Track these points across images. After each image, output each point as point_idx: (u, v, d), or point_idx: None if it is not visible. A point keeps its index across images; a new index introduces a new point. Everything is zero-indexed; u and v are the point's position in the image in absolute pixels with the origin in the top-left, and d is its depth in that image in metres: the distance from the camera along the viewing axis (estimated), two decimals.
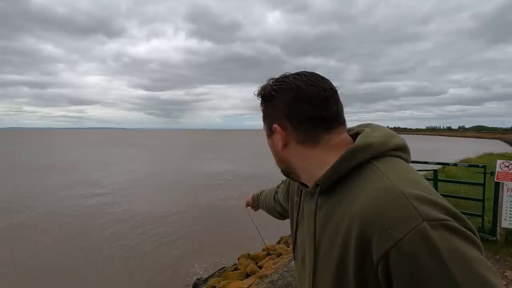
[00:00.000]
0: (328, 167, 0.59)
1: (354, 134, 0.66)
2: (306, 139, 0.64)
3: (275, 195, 1.13)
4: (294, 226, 0.79)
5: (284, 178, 1.00)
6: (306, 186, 0.68)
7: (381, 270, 0.46)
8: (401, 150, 0.62)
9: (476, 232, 0.49)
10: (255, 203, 1.36)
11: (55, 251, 7.13)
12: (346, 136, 0.65)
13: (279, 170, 0.74)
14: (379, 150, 0.58)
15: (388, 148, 0.59)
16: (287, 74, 0.68)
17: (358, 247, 0.50)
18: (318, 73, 0.66)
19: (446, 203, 0.49)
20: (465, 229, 0.47)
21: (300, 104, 0.63)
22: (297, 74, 0.66)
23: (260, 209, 1.37)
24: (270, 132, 0.70)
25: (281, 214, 1.12)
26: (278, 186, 1.13)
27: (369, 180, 0.54)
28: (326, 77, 0.66)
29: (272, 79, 0.69)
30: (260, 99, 0.71)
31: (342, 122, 0.65)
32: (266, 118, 0.70)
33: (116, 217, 9.73)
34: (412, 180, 0.53)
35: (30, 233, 8.29)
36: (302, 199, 0.75)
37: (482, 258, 0.45)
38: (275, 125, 0.66)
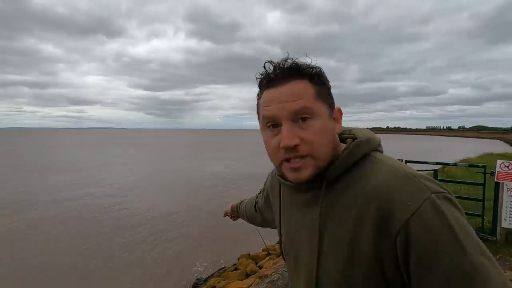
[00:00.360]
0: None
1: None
2: None
3: (256, 205, 1.11)
4: (279, 225, 0.79)
5: (262, 186, 1.02)
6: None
7: (400, 240, 0.51)
8: (380, 147, 0.69)
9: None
10: (234, 213, 1.36)
11: (55, 250, 7.13)
12: None
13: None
14: (376, 144, 0.65)
15: (377, 143, 0.67)
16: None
17: (375, 223, 0.53)
18: None
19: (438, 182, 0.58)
20: (456, 200, 0.55)
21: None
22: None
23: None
24: (330, 113, 0.64)
25: (263, 223, 1.11)
26: (257, 196, 1.11)
27: (376, 167, 0.60)
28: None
29: (289, 58, 0.64)
30: (311, 73, 0.63)
31: None
32: (326, 97, 0.64)
33: (116, 216, 9.73)
34: (407, 165, 0.60)
35: (30, 233, 8.27)
36: (285, 195, 0.76)
37: (469, 224, 0.54)
38: (338, 107, 0.67)
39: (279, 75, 0.62)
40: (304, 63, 0.63)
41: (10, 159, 27.99)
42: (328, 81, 0.65)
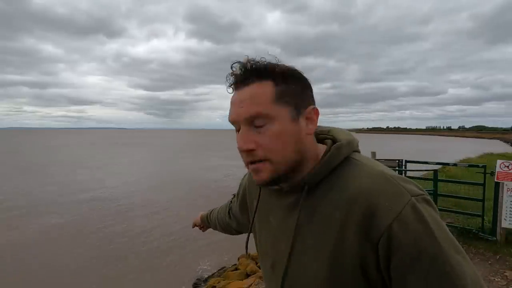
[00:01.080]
0: (313, 161, 0.63)
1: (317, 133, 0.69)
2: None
3: (230, 211, 1.06)
4: (258, 233, 0.77)
5: (236, 191, 0.98)
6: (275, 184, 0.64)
7: (382, 244, 0.52)
8: (358, 147, 0.69)
9: None
10: (204, 224, 1.30)
11: (56, 250, 7.12)
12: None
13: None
14: (355, 146, 0.65)
15: (357, 144, 0.67)
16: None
17: (358, 227, 0.54)
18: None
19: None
20: (432, 201, 0.57)
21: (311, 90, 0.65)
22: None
23: (210, 229, 1.28)
24: (297, 114, 0.60)
25: (238, 229, 1.07)
26: (231, 201, 1.06)
27: (357, 170, 0.60)
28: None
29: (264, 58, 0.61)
30: (283, 73, 0.60)
31: None
32: (294, 96, 0.60)
33: (115, 217, 9.72)
34: (385, 167, 0.61)
35: (30, 232, 8.29)
36: (265, 198, 0.74)
37: (443, 222, 0.56)
38: (312, 107, 0.62)
39: (240, 77, 0.60)
40: (273, 63, 0.60)
41: (12, 159, 27.98)
42: (300, 80, 0.62)
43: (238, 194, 0.96)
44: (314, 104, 0.63)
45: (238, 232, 1.08)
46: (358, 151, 0.66)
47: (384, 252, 0.52)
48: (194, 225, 1.37)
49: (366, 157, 0.65)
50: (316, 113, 0.62)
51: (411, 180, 0.58)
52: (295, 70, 0.62)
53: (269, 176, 0.60)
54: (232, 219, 1.05)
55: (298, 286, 0.61)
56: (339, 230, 0.56)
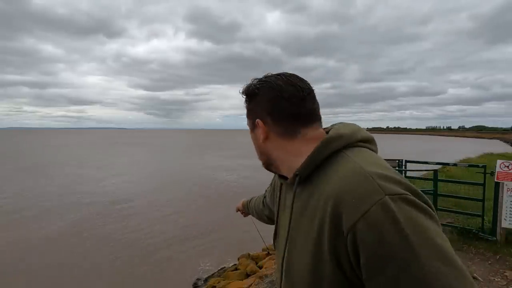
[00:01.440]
0: (305, 157, 0.66)
1: (329, 131, 0.72)
2: (285, 132, 0.70)
3: (264, 200, 1.17)
4: (275, 221, 0.83)
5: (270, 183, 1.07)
6: (286, 178, 0.74)
7: (349, 241, 0.52)
8: (369, 142, 0.69)
9: (432, 206, 0.55)
10: (245, 210, 1.42)
11: (56, 250, 7.13)
12: (321, 131, 0.72)
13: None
14: (349, 140, 0.65)
15: (357, 139, 0.67)
16: (269, 74, 0.74)
17: (331, 224, 0.55)
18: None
19: (407, 182, 0.56)
20: (421, 202, 0.53)
21: (280, 101, 0.69)
22: (278, 74, 0.73)
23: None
24: (253, 126, 0.76)
25: (270, 218, 1.15)
26: (266, 191, 1.16)
27: (340, 165, 0.61)
28: (304, 79, 0.74)
29: (255, 79, 0.75)
30: (244, 97, 0.77)
31: (318, 118, 0.73)
32: (250, 114, 0.77)
33: (115, 217, 9.72)
34: (377, 163, 0.59)
35: (31, 231, 8.29)
36: (281, 193, 0.81)
37: (435, 227, 0.51)
38: (257, 120, 0.73)
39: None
40: (250, 82, 0.76)
41: (15, 159, 27.97)
42: (252, 96, 0.74)
43: (271, 184, 1.06)
44: (267, 114, 0.72)
45: (271, 220, 1.14)
46: (359, 146, 0.66)
47: (352, 250, 0.52)
48: (237, 210, 1.49)
49: (363, 153, 0.64)
50: (259, 123, 0.73)
51: (406, 179, 0.57)
52: (250, 87, 0.75)
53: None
54: (265, 207, 1.16)
55: (293, 276, 0.65)
56: (319, 224, 0.58)
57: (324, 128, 0.74)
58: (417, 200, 0.53)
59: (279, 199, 0.82)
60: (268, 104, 0.71)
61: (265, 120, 0.72)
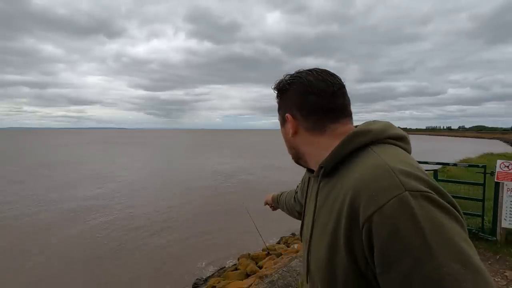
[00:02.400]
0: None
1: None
2: (314, 127, 0.72)
3: (295, 195, 1.19)
4: (303, 213, 0.85)
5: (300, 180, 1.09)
6: (313, 171, 0.75)
7: (365, 233, 0.51)
8: (400, 140, 0.67)
9: (458, 207, 0.53)
10: (274, 204, 1.42)
11: (57, 248, 7.13)
12: (351, 127, 0.71)
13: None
14: (377, 136, 0.64)
15: (386, 135, 0.65)
16: (301, 70, 0.76)
17: (348, 215, 0.55)
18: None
19: (432, 181, 0.54)
20: (444, 202, 0.51)
21: (310, 96, 0.71)
22: (310, 70, 0.74)
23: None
24: (283, 121, 0.78)
25: (301, 214, 1.15)
26: (297, 186, 1.18)
27: (365, 159, 0.60)
28: (336, 74, 0.74)
29: (287, 74, 0.77)
30: (276, 92, 0.79)
31: (348, 114, 0.73)
32: (280, 109, 0.79)
33: (116, 216, 9.72)
34: (404, 161, 0.58)
35: (32, 231, 8.29)
36: (309, 186, 0.84)
37: (458, 229, 0.49)
38: (287, 114, 0.75)
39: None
40: (281, 79, 0.78)
41: (16, 159, 27.96)
42: (282, 92, 0.77)
43: (302, 180, 1.07)
44: (297, 109, 0.74)
45: (301, 215, 1.17)
46: (389, 143, 0.64)
47: (367, 242, 0.51)
48: (266, 203, 1.49)
49: (391, 150, 0.62)
50: (288, 117, 0.75)
51: (433, 179, 0.54)
52: (281, 82, 0.77)
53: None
54: (297, 203, 1.18)
55: (314, 265, 0.67)
56: (338, 215, 0.59)
57: (357, 125, 0.74)
58: (440, 200, 0.51)
59: (307, 192, 0.85)
60: (298, 99, 0.73)
61: (295, 115, 0.74)
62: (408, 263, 0.46)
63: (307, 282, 0.73)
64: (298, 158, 0.79)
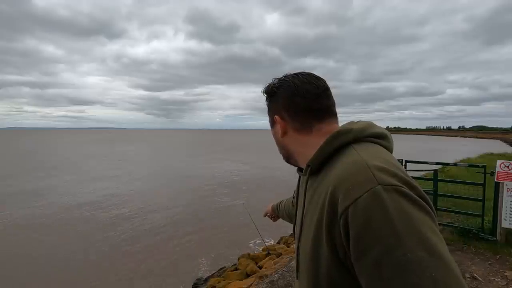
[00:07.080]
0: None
1: None
2: (301, 127, 0.76)
3: (293, 201, 1.20)
4: (295, 211, 0.87)
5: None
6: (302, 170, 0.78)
7: (342, 224, 0.55)
8: (381, 138, 0.71)
9: (429, 201, 0.56)
10: (274, 213, 1.43)
11: (57, 247, 7.14)
12: (336, 126, 0.76)
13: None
14: (358, 135, 0.68)
15: (367, 134, 0.69)
16: (288, 74, 0.80)
17: (329, 208, 0.59)
18: (316, 73, 0.80)
19: (405, 176, 0.58)
20: (414, 195, 0.54)
21: (296, 98, 0.75)
22: (296, 74, 0.79)
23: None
24: (273, 122, 0.83)
25: None
26: (294, 191, 1.19)
27: (346, 157, 0.64)
28: (321, 77, 0.79)
29: (275, 78, 0.82)
30: (265, 95, 0.84)
31: (334, 114, 0.78)
32: (270, 111, 0.83)
33: (116, 217, 9.73)
34: (381, 157, 0.62)
35: (33, 230, 8.30)
36: (299, 185, 0.86)
37: (426, 220, 0.52)
38: (275, 116, 0.80)
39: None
40: (271, 82, 0.82)
41: (16, 159, 27.97)
42: (271, 95, 0.81)
43: None
44: (284, 111, 0.78)
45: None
46: (370, 141, 0.68)
47: (344, 232, 0.55)
48: (266, 214, 1.49)
49: (371, 147, 0.66)
50: (277, 119, 0.79)
51: (407, 175, 0.58)
52: (270, 86, 0.81)
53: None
54: (295, 207, 1.17)
55: (302, 259, 0.71)
56: (321, 209, 0.62)
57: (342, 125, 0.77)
58: (410, 192, 0.54)
59: (298, 191, 0.87)
60: (285, 101, 0.78)
61: (283, 116, 0.78)
62: (379, 250, 0.50)
63: (297, 278, 0.76)
64: (289, 158, 0.84)
